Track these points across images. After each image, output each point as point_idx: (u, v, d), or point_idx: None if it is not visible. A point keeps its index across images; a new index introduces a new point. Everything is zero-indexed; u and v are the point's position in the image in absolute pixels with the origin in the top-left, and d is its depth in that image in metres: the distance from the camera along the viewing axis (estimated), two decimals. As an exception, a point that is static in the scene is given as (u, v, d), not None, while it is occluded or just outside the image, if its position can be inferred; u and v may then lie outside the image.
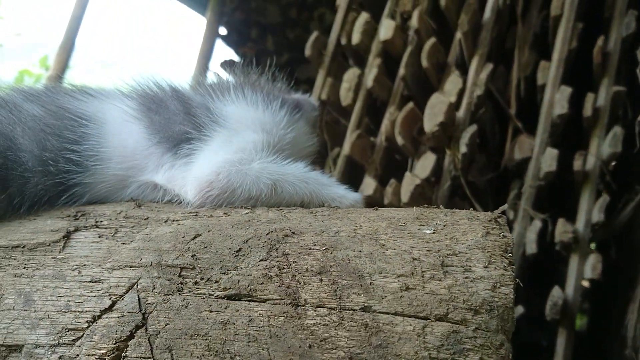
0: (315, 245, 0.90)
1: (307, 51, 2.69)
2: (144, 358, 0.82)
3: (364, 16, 2.62)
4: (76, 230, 1.02)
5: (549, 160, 2.16)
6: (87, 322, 0.87)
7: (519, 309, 2.50)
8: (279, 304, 0.83)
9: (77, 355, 0.85)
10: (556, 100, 2.20)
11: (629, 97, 2.24)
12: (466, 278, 0.82)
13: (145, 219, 1.04)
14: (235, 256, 0.90)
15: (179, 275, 0.90)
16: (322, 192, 1.13)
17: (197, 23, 5.12)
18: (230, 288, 0.86)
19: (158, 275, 0.89)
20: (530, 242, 2.16)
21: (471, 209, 0.99)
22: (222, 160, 1.09)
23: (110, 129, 1.14)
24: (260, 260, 0.88)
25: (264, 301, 0.84)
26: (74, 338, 0.86)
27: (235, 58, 5.26)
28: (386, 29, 2.53)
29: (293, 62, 4.92)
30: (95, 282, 0.91)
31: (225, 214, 1.02)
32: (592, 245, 2.32)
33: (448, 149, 2.28)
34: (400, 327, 0.78)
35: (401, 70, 2.48)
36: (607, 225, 2.15)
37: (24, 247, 1.00)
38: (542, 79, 2.31)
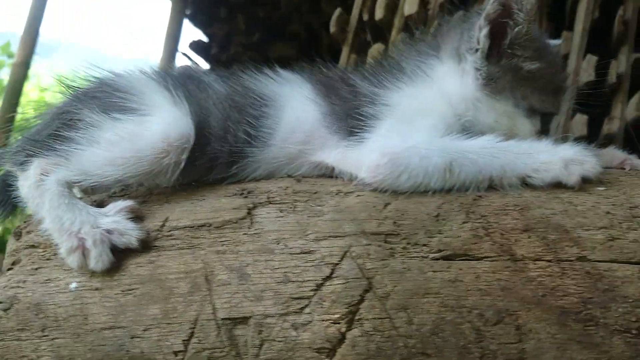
0: (507, 206, 0.97)
1: (332, 28, 2.73)
2: (380, 318, 0.88)
3: (386, -8, 2.68)
4: (254, 207, 1.05)
5: (580, 125, 2.32)
6: (311, 290, 0.91)
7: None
8: (499, 260, 0.90)
9: (310, 321, 0.89)
10: (583, 69, 2.35)
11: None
12: (656, 226, 0.93)
13: (314, 193, 1.08)
14: (436, 220, 0.96)
15: (385, 242, 0.95)
16: (518, 164, 1.00)
17: (163, 4, 4.98)
18: (444, 249, 0.93)
19: (367, 242, 0.95)
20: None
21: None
22: (404, 141, 1.05)
23: (289, 109, 1.17)
24: (462, 223, 0.95)
25: (481, 259, 0.91)
26: (301, 306, 0.91)
27: (204, 39, 5.17)
28: (410, 4, 2.61)
29: (264, 40, 4.90)
30: (306, 252, 0.95)
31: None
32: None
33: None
34: (619, 272, 0.87)
35: (428, 44, 2.57)
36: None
37: (210, 225, 1.02)
38: (565, 48, 2.45)
